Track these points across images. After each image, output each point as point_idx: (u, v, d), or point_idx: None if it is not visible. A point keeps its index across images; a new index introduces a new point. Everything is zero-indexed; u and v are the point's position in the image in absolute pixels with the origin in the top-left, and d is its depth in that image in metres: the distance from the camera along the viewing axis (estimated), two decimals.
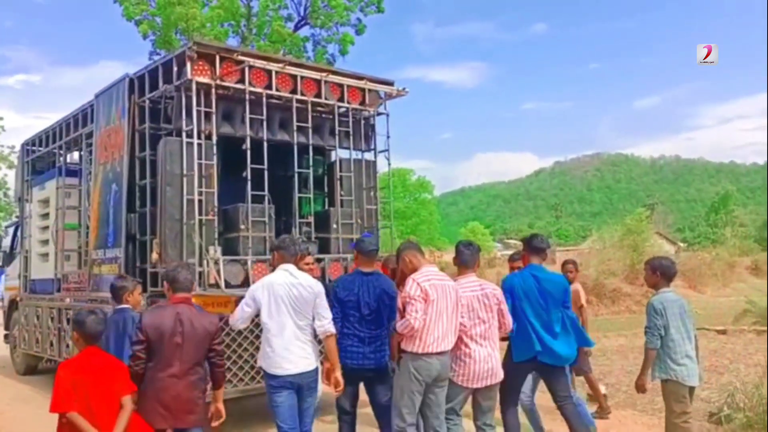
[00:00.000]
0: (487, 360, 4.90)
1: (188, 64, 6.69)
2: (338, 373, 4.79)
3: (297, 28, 24.56)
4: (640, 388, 5.49)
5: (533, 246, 5.48)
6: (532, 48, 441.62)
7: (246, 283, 6.68)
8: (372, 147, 8.57)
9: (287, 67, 7.28)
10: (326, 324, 4.71)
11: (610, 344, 14.37)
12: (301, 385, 4.67)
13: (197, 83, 6.76)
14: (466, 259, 5.14)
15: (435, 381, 4.70)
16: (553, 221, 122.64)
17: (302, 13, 24.47)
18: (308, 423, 4.78)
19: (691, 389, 5.27)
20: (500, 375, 5.04)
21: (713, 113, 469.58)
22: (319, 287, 4.80)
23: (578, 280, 7.28)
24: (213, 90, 6.88)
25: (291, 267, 4.81)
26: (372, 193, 8.45)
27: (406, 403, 4.64)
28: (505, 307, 5.06)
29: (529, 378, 5.81)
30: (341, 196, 8.04)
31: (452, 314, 4.74)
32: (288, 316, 4.64)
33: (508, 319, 5.08)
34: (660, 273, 5.44)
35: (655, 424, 7.25)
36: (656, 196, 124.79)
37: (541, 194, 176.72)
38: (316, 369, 4.79)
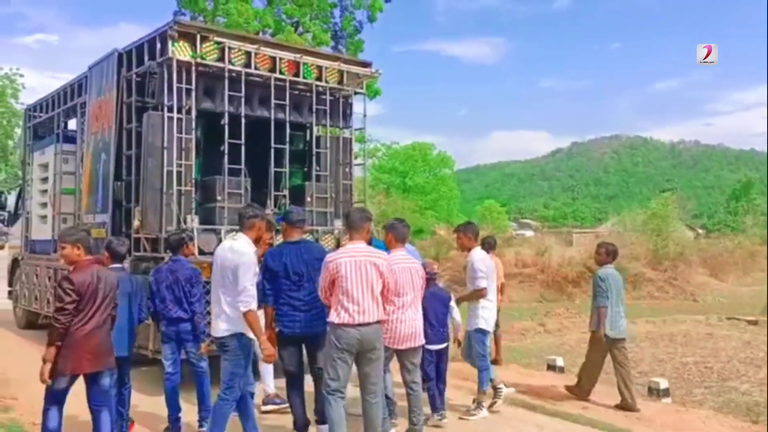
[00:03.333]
0: (411, 324, 5.30)
1: (169, 43, 7.10)
2: (263, 345, 4.79)
3: None
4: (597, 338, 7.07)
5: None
6: (552, 24, 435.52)
7: None
8: (350, 125, 8.96)
9: (263, 48, 7.67)
10: (240, 302, 4.62)
11: (638, 330, 13.99)
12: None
13: (178, 61, 7.19)
14: (402, 233, 5.53)
15: (363, 352, 4.81)
16: (569, 203, 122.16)
17: None
18: (223, 383, 4.76)
19: (617, 340, 6.93)
20: (422, 338, 5.44)
21: (733, 99, 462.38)
22: (242, 258, 4.67)
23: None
24: (193, 68, 7.30)
25: (239, 234, 4.92)
26: (347, 169, 8.85)
27: (328, 369, 4.85)
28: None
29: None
30: (317, 171, 8.46)
31: (368, 288, 4.78)
32: (217, 278, 4.83)
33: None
34: (611, 255, 7.23)
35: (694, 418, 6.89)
36: (674, 182, 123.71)
37: (557, 175, 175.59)
38: (231, 336, 4.73)
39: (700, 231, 55.82)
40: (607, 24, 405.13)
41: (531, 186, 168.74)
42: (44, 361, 4.44)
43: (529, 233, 52.09)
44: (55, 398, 4.56)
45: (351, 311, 4.71)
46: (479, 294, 6.38)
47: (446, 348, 6.31)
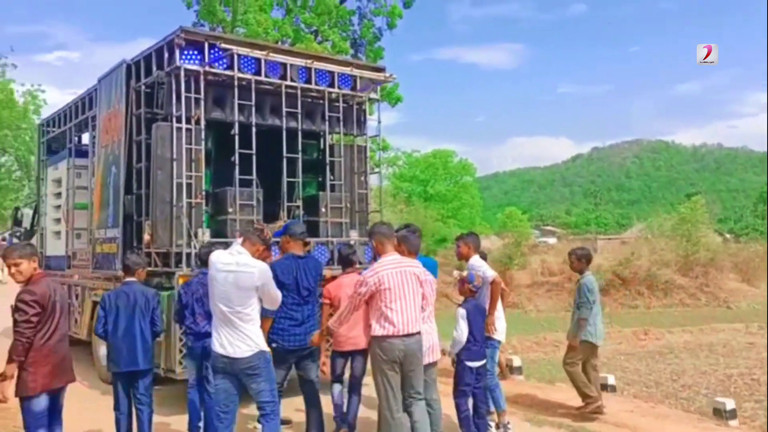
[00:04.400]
0: (427, 338, 5.03)
1: (177, 52, 6.90)
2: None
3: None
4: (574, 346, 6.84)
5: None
6: (570, 29, 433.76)
7: None
8: (364, 132, 8.70)
9: (272, 54, 7.44)
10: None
11: (676, 340, 13.51)
12: (235, 371, 4.50)
13: (186, 70, 6.99)
14: (415, 246, 5.23)
15: (405, 363, 4.71)
16: (591, 209, 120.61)
17: None
18: (265, 405, 4.56)
19: (596, 347, 6.77)
20: (437, 353, 5.24)
21: (755, 100, 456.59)
22: (267, 273, 4.59)
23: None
24: (201, 76, 7.10)
25: (238, 247, 4.70)
26: (363, 178, 8.58)
27: (386, 388, 4.68)
28: None
29: None
30: (331, 180, 8.20)
31: (412, 298, 4.76)
32: (227, 297, 4.46)
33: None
34: (585, 260, 6.79)
35: None
36: (698, 186, 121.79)
37: (578, 180, 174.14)
38: (255, 355, 4.48)
39: (728, 236, 54.65)
40: (625, 28, 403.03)
41: (551, 192, 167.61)
42: (3, 377, 4.25)
43: (552, 240, 51.42)
44: (39, 421, 4.37)
45: (396, 323, 4.68)
46: (498, 286, 5.91)
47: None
